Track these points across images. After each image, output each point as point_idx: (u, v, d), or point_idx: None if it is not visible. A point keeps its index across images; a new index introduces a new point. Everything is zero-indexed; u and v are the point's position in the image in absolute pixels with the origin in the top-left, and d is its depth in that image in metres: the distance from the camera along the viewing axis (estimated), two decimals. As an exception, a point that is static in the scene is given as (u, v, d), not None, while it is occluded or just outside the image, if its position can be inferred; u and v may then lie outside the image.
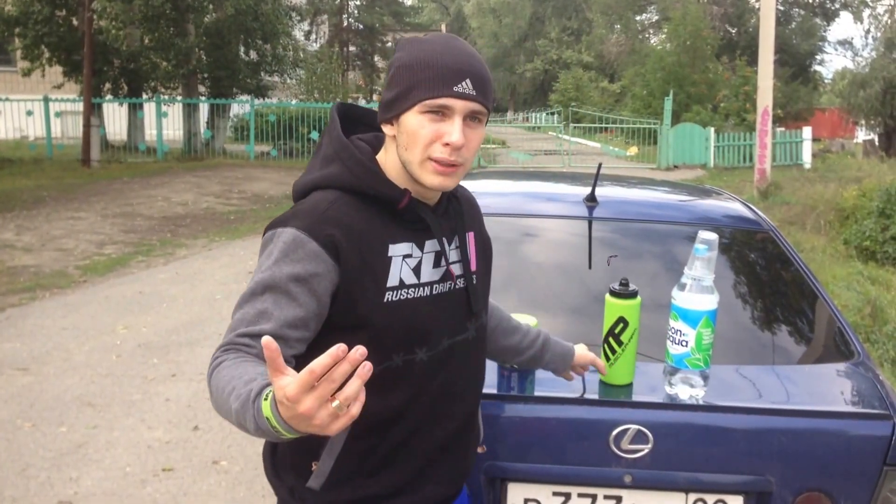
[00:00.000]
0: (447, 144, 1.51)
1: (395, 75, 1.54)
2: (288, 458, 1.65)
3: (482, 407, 1.90)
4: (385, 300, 1.53)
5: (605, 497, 2.04)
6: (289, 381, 1.14)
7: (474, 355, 1.74)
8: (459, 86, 1.49)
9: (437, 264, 1.63)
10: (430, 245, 1.62)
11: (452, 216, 1.69)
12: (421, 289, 1.59)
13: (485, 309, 1.79)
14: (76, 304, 7.63)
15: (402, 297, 1.56)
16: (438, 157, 1.52)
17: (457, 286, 1.67)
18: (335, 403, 1.14)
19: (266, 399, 1.24)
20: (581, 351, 2.09)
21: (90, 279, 8.73)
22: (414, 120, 1.51)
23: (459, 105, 1.50)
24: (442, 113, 1.50)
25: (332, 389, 1.13)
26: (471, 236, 1.76)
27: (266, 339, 1.15)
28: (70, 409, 5.00)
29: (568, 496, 2.05)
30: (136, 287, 8.35)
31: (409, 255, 1.58)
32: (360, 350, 1.14)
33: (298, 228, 1.49)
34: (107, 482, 4.07)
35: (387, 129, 1.58)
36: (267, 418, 1.23)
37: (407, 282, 1.57)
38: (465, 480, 1.82)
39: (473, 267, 1.73)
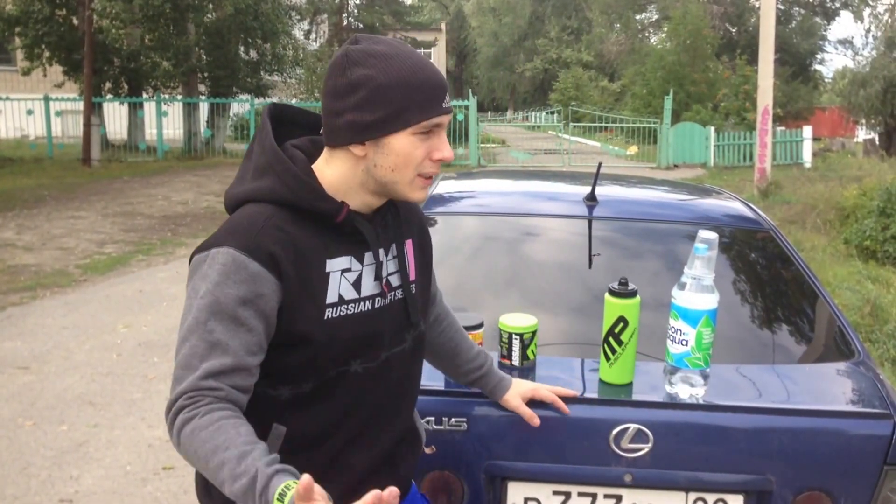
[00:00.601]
0: (439, 160, 1.51)
1: (370, 97, 1.43)
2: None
3: (482, 406, 1.91)
4: (325, 317, 1.50)
5: (605, 496, 2.04)
6: None
7: (411, 365, 1.70)
8: (444, 101, 1.49)
9: (377, 276, 1.59)
10: (370, 257, 1.57)
11: (391, 225, 1.64)
12: (362, 303, 1.55)
13: (423, 318, 1.75)
14: (77, 303, 7.63)
15: (342, 313, 1.52)
16: (428, 171, 1.52)
17: (396, 297, 1.63)
18: None
19: (280, 502, 1.24)
20: (522, 390, 1.99)
21: (91, 278, 8.73)
22: (405, 142, 1.47)
23: (446, 120, 1.51)
24: (430, 130, 1.49)
25: None
26: (409, 244, 1.71)
27: (306, 480, 1.17)
28: (71, 408, 5.01)
29: (568, 495, 2.05)
30: (136, 286, 8.36)
31: (349, 269, 1.54)
32: (393, 492, 1.23)
33: (237, 248, 1.42)
34: (107, 481, 4.08)
35: (356, 150, 1.48)
36: None
37: (346, 297, 1.53)
38: (409, 485, 1.80)
39: (413, 276, 1.69)
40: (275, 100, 26.09)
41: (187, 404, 1.39)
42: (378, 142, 1.47)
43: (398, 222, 1.67)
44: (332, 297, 1.51)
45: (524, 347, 2.17)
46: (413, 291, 1.68)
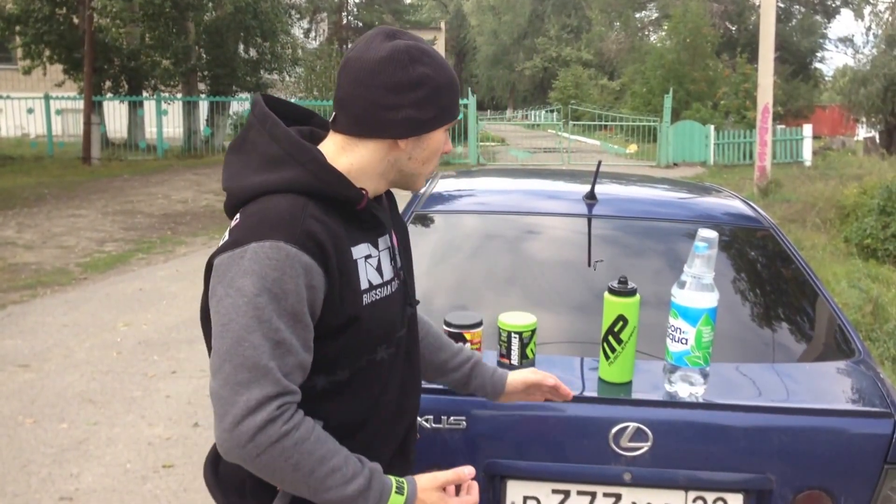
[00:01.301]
0: (446, 152, 1.62)
1: (430, 95, 1.48)
2: (245, 482, 1.53)
3: (481, 404, 1.90)
4: (364, 303, 1.50)
5: (605, 495, 2.04)
6: None
7: (415, 347, 1.72)
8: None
9: (390, 260, 1.61)
10: (383, 242, 1.60)
11: (385, 210, 1.67)
12: (385, 287, 1.57)
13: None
14: (77, 302, 7.63)
15: (374, 298, 1.53)
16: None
17: (399, 279, 1.65)
18: None
19: (400, 493, 1.45)
20: (520, 376, 1.92)
21: (91, 276, 8.73)
22: (440, 138, 1.57)
23: None
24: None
25: None
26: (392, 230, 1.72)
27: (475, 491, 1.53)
28: (71, 406, 5.01)
29: (567, 494, 2.05)
30: (136, 284, 8.36)
31: (370, 256, 1.54)
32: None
33: (284, 241, 1.38)
34: (107, 478, 4.08)
35: (401, 143, 1.51)
36: None
37: (374, 282, 1.54)
38: (414, 467, 1.79)
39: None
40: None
41: (278, 415, 1.34)
42: (424, 137, 1.53)
43: (389, 208, 1.70)
44: (364, 284, 1.51)
45: (523, 346, 2.16)
46: (409, 271, 1.72)
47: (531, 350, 2.18)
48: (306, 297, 1.39)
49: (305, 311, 1.40)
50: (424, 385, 1.88)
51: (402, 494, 1.45)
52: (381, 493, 1.43)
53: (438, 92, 1.49)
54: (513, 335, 2.16)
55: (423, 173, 1.59)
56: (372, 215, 1.55)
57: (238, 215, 1.48)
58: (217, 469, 1.62)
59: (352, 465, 1.41)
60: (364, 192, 1.51)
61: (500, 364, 2.19)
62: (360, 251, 1.52)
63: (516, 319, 2.18)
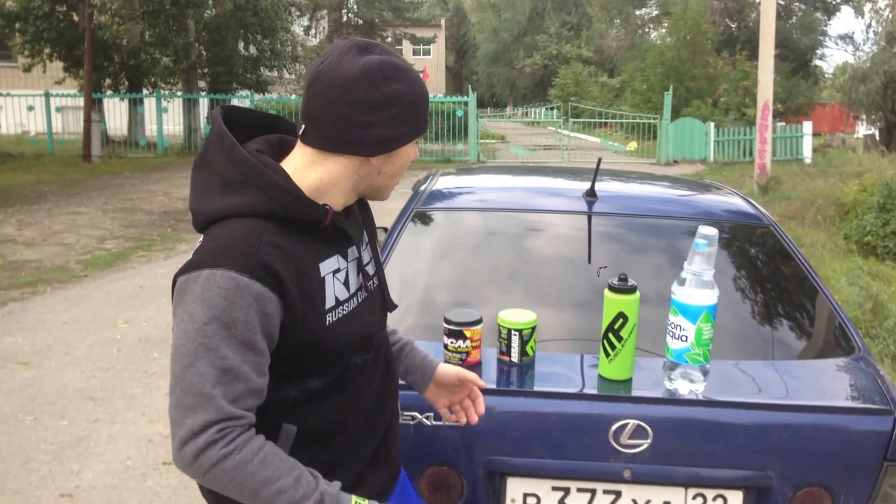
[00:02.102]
0: (412, 160, 1.62)
1: (402, 112, 1.48)
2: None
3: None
4: (327, 323, 1.50)
5: (605, 492, 2.04)
6: None
7: (389, 350, 1.76)
8: None
9: (358, 271, 1.61)
10: (352, 253, 1.60)
11: (355, 217, 1.66)
12: (352, 300, 1.58)
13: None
14: (77, 299, 7.64)
15: (340, 314, 1.53)
16: None
17: (374, 285, 1.67)
18: None
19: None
20: (453, 369, 1.91)
21: (91, 274, 8.73)
22: (410, 150, 1.57)
23: None
24: None
25: None
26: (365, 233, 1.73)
27: None
28: (71, 403, 5.01)
29: (567, 491, 2.05)
30: (136, 281, 8.36)
31: (338, 269, 1.55)
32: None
33: (237, 271, 1.37)
34: (108, 475, 4.08)
35: (373, 160, 1.51)
36: None
37: (341, 298, 1.54)
38: (399, 462, 1.82)
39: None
40: (274, 96, 26.12)
41: (218, 438, 1.37)
42: (395, 152, 1.53)
43: (357, 214, 1.68)
44: (329, 302, 1.51)
45: (523, 343, 2.17)
46: (382, 275, 1.73)
47: (531, 347, 2.18)
48: (259, 325, 1.39)
49: (258, 338, 1.40)
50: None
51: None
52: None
53: (409, 108, 1.49)
54: (513, 332, 2.16)
55: (390, 185, 1.60)
56: (339, 230, 1.54)
57: (202, 236, 1.48)
58: None
59: (303, 486, 1.42)
60: (328, 207, 1.50)
61: (499, 362, 2.19)
62: (328, 266, 1.52)
63: (516, 317, 2.18)
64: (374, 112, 1.45)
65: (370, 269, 1.66)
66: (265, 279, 1.39)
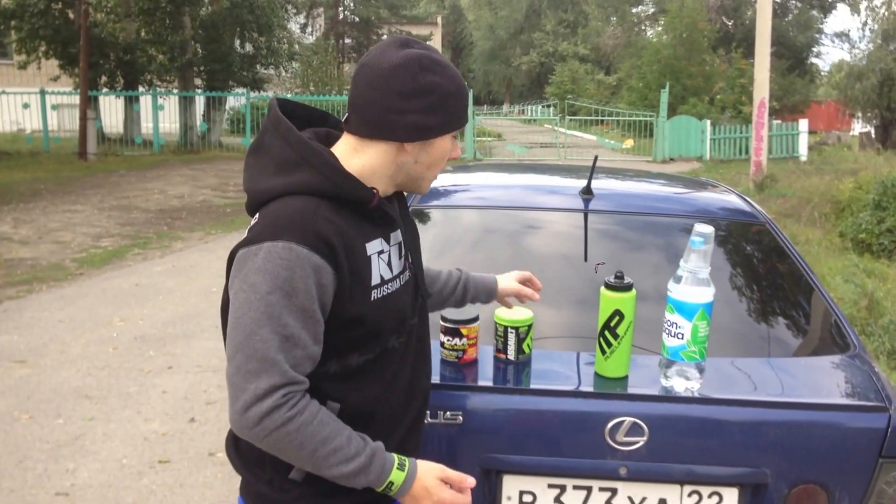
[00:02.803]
0: (454, 158, 1.70)
1: (439, 102, 1.57)
2: (266, 456, 1.62)
3: (478, 399, 1.91)
4: (373, 299, 1.59)
5: (601, 489, 2.05)
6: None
7: (426, 334, 1.83)
8: None
9: (400, 255, 1.71)
10: (394, 237, 1.69)
11: (394, 208, 1.74)
12: (395, 281, 1.66)
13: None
14: (73, 297, 7.63)
15: (384, 292, 1.62)
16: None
17: (410, 272, 1.75)
18: None
19: (401, 469, 1.57)
20: (504, 283, 2.21)
21: (87, 272, 8.72)
22: (447, 144, 1.64)
23: None
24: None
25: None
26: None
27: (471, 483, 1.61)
28: (67, 401, 5.01)
29: (563, 488, 2.05)
30: (132, 280, 8.35)
31: (382, 251, 1.63)
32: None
33: (297, 242, 1.47)
34: (103, 474, 4.08)
35: (409, 148, 1.60)
36: (391, 482, 1.55)
37: (385, 277, 1.63)
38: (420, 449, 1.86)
39: None
40: (270, 93, 26.09)
41: (283, 402, 1.46)
42: (430, 143, 1.61)
43: (395, 203, 1.77)
44: (375, 279, 1.60)
45: (520, 341, 2.17)
46: (418, 265, 1.80)
47: (528, 345, 2.18)
48: (316, 295, 1.48)
49: (315, 308, 1.49)
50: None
51: (403, 471, 1.58)
52: (383, 468, 1.55)
53: (445, 100, 1.57)
54: (509, 330, 2.16)
55: (427, 178, 1.67)
56: (383, 212, 1.62)
57: (257, 215, 1.57)
58: (238, 445, 1.71)
59: (354, 444, 1.52)
60: (375, 190, 1.59)
61: (496, 360, 2.19)
62: (374, 247, 1.61)
63: (513, 314, 2.18)
64: (409, 100, 1.55)
65: (409, 257, 1.75)
66: (322, 251, 1.48)
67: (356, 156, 1.61)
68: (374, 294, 1.59)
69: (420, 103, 1.55)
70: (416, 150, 1.61)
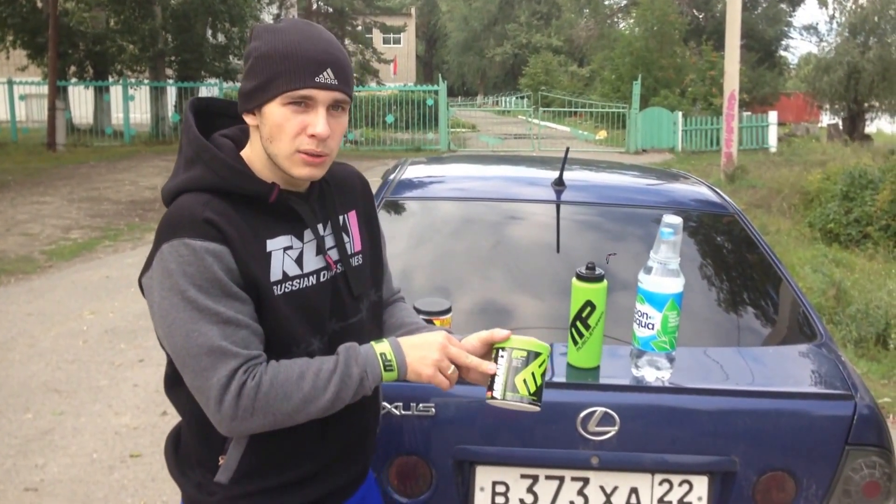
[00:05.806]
0: (313, 136, 1.49)
1: (253, 65, 1.49)
2: (193, 454, 1.63)
3: (450, 391, 1.91)
4: (275, 293, 1.52)
5: (573, 479, 2.06)
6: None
7: (370, 335, 1.67)
8: (321, 76, 1.47)
9: (318, 252, 1.61)
10: (309, 234, 1.59)
11: (327, 199, 1.66)
12: (306, 279, 1.57)
13: (375, 287, 1.76)
14: (42, 290, 7.54)
15: (288, 289, 1.54)
16: (307, 148, 1.49)
17: (338, 270, 1.64)
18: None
19: (382, 342, 1.52)
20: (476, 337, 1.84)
21: (56, 264, 8.62)
22: (278, 112, 1.48)
23: (322, 95, 1.49)
24: (305, 104, 1.48)
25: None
26: (352, 216, 1.72)
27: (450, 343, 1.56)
28: (36, 396, 4.95)
29: (536, 478, 2.06)
30: (102, 272, 8.27)
31: (290, 247, 1.56)
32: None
33: (188, 237, 1.44)
34: (73, 469, 4.04)
35: (249, 120, 1.54)
36: (383, 353, 1.51)
37: (290, 273, 1.55)
38: (370, 461, 1.81)
39: (357, 247, 1.71)
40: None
41: (246, 378, 1.43)
42: (261, 111, 1.51)
43: (332, 197, 1.68)
44: (276, 275, 1.52)
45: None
46: (356, 263, 1.69)
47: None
48: (229, 278, 1.45)
49: (236, 289, 1.46)
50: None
51: (393, 371, 1.53)
52: (365, 368, 1.50)
53: (262, 60, 1.48)
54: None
55: (277, 154, 1.51)
56: (289, 208, 1.55)
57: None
58: (177, 449, 1.70)
59: (324, 367, 1.48)
60: (276, 185, 1.53)
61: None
62: (278, 243, 1.54)
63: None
64: (244, 70, 1.54)
65: (334, 254, 1.64)
66: (216, 237, 1.45)
67: (249, 148, 1.58)
68: (276, 289, 1.52)
69: (244, 71, 1.53)
70: (260, 123, 1.51)
